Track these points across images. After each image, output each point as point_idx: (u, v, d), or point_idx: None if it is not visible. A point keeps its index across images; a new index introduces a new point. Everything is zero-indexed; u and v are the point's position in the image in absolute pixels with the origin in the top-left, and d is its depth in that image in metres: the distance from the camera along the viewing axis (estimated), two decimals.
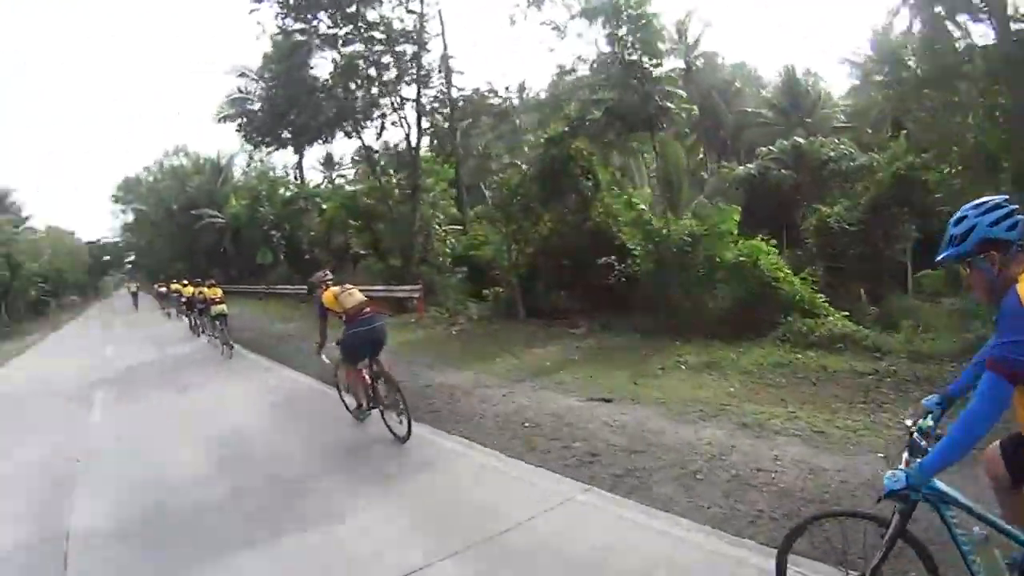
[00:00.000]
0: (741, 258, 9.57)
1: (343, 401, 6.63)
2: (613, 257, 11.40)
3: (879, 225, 14.27)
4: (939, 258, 2.11)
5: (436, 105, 17.89)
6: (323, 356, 6.38)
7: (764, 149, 23.24)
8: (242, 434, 6.64)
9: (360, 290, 6.25)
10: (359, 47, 16.64)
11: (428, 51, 17.18)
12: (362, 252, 20.84)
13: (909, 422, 2.32)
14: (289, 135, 23.92)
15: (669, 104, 17.53)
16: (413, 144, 17.40)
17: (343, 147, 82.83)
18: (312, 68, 17.86)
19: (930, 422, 2.28)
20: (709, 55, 33.70)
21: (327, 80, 17.22)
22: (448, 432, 5.87)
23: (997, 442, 2.20)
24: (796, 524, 2.61)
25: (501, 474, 4.71)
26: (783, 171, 21.04)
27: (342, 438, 6.03)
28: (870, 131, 23.35)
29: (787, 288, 9.26)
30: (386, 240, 18.51)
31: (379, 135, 17.92)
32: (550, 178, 12.87)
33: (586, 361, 8.57)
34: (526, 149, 15.12)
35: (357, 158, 30.62)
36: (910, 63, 10.20)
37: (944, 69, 8.57)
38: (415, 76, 16.96)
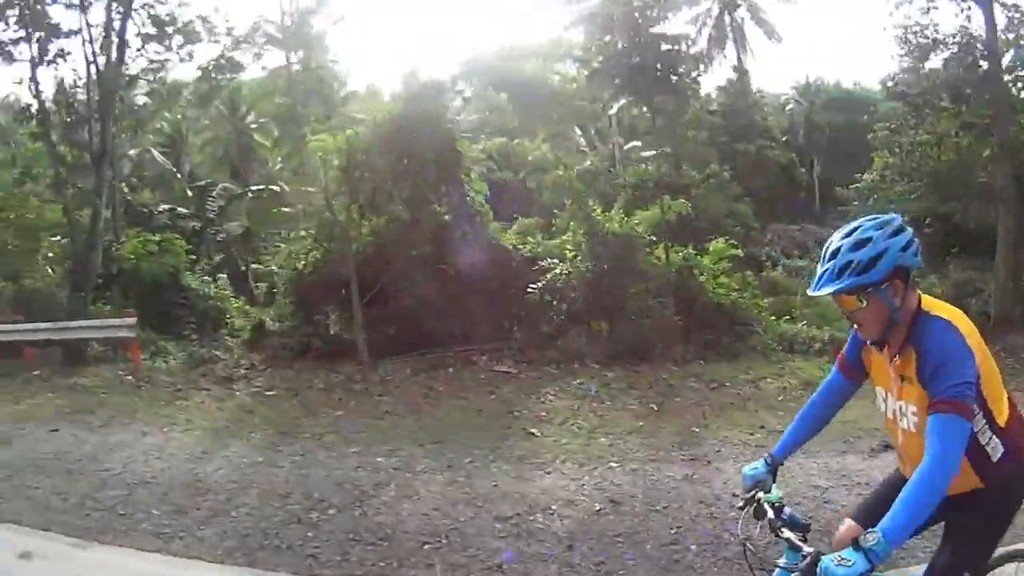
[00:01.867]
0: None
1: None
2: (556, 260, 9.14)
3: None
4: (834, 288, 1.65)
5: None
6: None
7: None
8: None
9: None
10: None
11: None
12: None
13: (741, 503, 1.94)
14: None
15: None
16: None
17: None
18: None
19: (778, 491, 1.95)
20: None
21: None
22: None
23: (848, 520, 1.96)
24: None
25: None
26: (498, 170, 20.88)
27: None
28: None
29: None
30: (24, 247, 11.46)
31: (40, 62, 10.87)
32: (405, 146, 9.24)
33: (666, 418, 6.26)
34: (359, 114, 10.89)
35: None
36: None
37: None
38: None
